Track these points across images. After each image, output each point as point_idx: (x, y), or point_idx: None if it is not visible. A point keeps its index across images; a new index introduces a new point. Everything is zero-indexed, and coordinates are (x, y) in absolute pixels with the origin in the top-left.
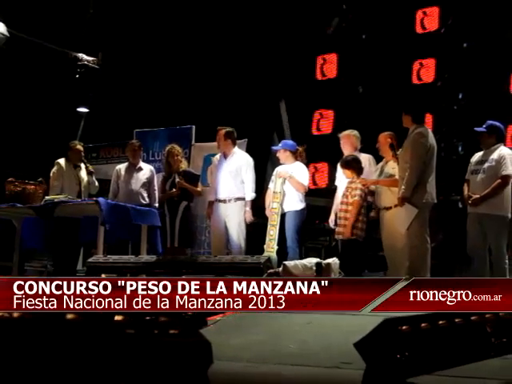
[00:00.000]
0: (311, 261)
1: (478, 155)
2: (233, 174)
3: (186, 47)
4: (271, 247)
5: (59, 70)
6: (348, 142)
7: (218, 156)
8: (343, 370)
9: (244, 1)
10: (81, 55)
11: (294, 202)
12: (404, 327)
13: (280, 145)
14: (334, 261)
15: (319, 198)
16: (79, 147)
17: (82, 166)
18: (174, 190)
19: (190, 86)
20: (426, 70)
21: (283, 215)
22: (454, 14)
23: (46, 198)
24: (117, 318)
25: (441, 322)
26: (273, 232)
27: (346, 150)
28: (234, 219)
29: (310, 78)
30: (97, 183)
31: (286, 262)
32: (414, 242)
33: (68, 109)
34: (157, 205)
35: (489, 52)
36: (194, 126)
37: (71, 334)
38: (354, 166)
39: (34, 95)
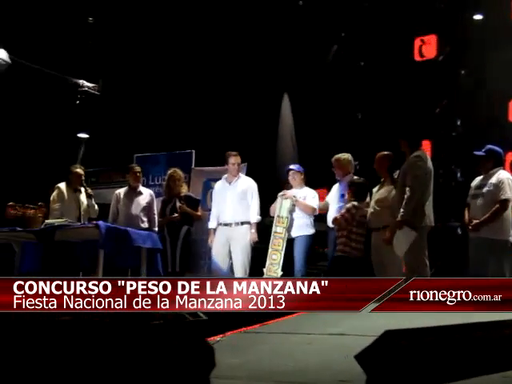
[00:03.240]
0: None
1: (477, 179)
2: (239, 198)
3: (185, 74)
4: (274, 271)
5: (60, 96)
6: (337, 166)
7: (219, 182)
8: None
9: (237, 31)
10: (81, 81)
11: (305, 227)
12: (405, 340)
13: (296, 166)
14: None
15: (319, 222)
16: (80, 171)
17: (82, 189)
18: (176, 214)
19: (189, 111)
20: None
21: (291, 240)
22: (452, 42)
23: (46, 221)
24: None
25: (442, 336)
26: (276, 256)
27: (338, 173)
28: (239, 243)
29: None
30: (96, 207)
31: None
32: (413, 266)
33: (68, 134)
34: (156, 229)
35: (485, 79)
36: (193, 151)
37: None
38: (354, 189)
39: (35, 121)
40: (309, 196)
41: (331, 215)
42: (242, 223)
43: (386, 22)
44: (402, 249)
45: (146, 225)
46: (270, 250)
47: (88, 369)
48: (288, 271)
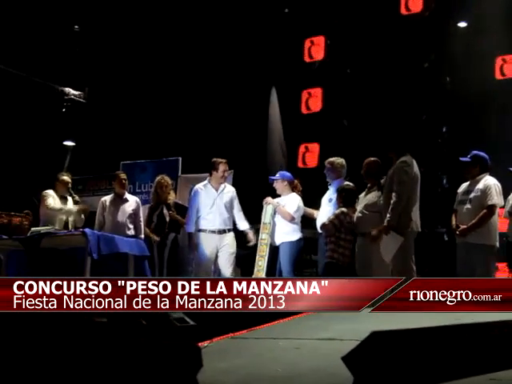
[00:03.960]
0: None
1: (464, 185)
2: (228, 206)
3: (170, 81)
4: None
5: (46, 103)
6: (330, 169)
7: (201, 187)
8: None
9: (224, 42)
10: (67, 89)
11: (288, 233)
12: (392, 342)
13: (278, 175)
14: None
15: (305, 229)
16: (66, 178)
17: (69, 197)
18: (156, 238)
19: (175, 118)
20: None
21: (277, 248)
22: (436, 51)
23: (33, 229)
24: None
25: (429, 337)
26: (261, 263)
27: (329, 176)
28: (228, 250)
29: (296, 112)
30: (83, 215)
31: None
32: (400, 271)
33: (55, 142)
34: (142, 236)
35: (470, 86)
36: (180, 158)
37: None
38: (343, 195)
39: (21, 129)
40: (288, 203)
41: (320, 220)
42: (229, 230)
43: (371, 29)
44: (389, 254)
45: (132, 232)
46: (257, 256)
47: (72, 370)
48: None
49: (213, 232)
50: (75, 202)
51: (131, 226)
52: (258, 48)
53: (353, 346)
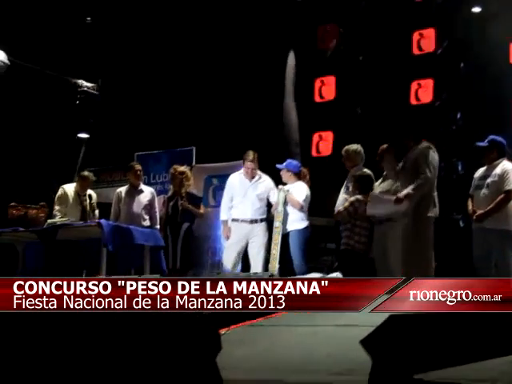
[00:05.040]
0: (314, 276)
1: (481, 170)
2: (261, 196)
3: (183, 70)
4: (274, 266)
5: (59, 96)
6: (346, 157)
7: (236, 176)
8: (346, 377)
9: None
10: (81, 81)
11: (296, 221)
12: (409, 326)
13: (284, 164)
14: (337, 275)
15: (321, 217)
16: (88, 177)
17: (87, 197)
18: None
19: (189, 107)
20: (423, 91)
21: (286, 235)
22: (450, 36)
23: (49, 221)
24: None
25: (449, 322)
26: (275, 251)
27: (346, 165)
28: (259, 239)
29: (309, 101)
30: (97, 212)
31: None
32: (416, 260)
33: (69, 134)
34: (158, 227)
35: (486, 71)
36: (194, 148)
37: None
38: (360, 182)
39: (34, 122)
40: (295, 191)
41: (337, 208)
42: (262, 220)
43: (384, 16)
44: (378, 210)
45: (147, 223)
46: (272, 244)
47: (87, 355)
48: (287, 266)
49: (244, 221)
50: (91, 208)
51: (147, 217)
52: (270, 37)
53: (369, 331)
